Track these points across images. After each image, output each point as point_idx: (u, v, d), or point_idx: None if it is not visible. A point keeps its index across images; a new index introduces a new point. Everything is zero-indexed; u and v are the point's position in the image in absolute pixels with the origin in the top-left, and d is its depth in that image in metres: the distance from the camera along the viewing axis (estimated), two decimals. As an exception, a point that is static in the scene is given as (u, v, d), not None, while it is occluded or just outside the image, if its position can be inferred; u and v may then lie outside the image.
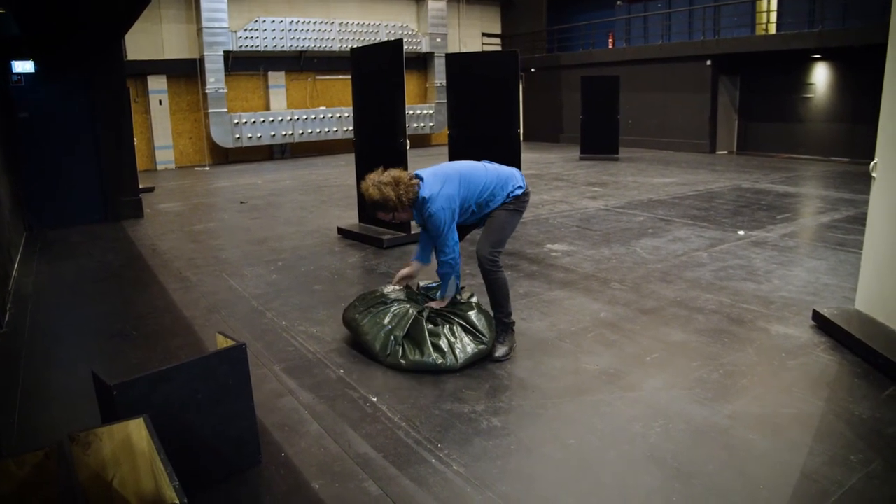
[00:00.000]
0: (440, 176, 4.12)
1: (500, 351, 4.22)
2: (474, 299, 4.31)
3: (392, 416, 3.49)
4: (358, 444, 3.23)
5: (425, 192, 4.03)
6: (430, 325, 4.16)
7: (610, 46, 21.33)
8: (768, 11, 17.12)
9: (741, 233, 7.64)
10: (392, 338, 4.16)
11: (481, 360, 4.14)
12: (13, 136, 9.04)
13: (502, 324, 4.29)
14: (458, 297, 4.35)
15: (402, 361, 4.07)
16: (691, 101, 18.17)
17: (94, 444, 2.35)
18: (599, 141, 16.38)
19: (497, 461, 3.06)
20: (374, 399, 3.71)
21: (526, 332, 4.65)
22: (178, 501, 1.92)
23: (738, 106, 18.17)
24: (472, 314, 4.18)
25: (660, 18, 19.64)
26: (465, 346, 4.06)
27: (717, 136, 18.03)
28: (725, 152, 18.01)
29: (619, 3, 21.28)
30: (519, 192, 4.25)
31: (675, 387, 3.77)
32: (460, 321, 4.17)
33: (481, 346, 4.10)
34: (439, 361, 3.99)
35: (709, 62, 17.48)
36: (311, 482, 2.94)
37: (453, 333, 4.10)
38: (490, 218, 4.23)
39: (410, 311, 4.27)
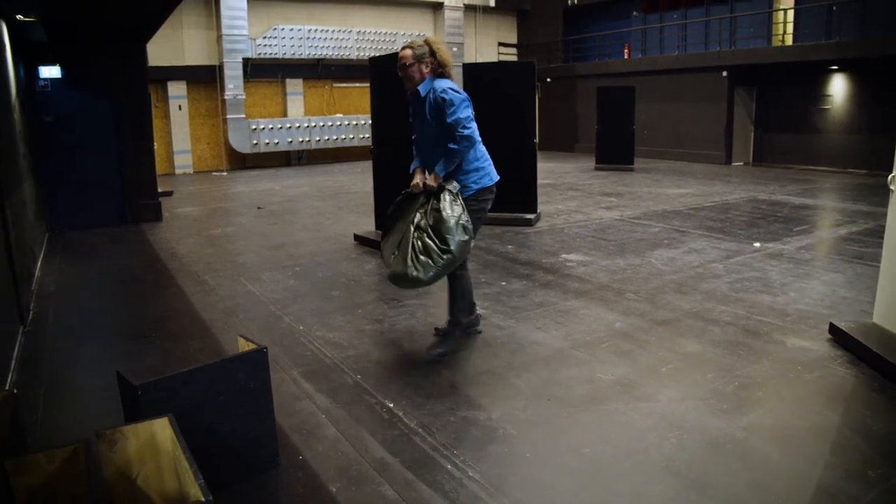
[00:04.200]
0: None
1: (437, 351, 4.41)
2: (447, 203, 4.14)
3: (408, 422, 3.53)
4: (375, 449, 3.27)
5: (444, 84, 4.28)
6: (415, 238, 4.11)
7: (626, 57, 21.35)
8: (785, 22, 17.06)
9: (757, 245, 7.63)
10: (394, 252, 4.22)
11: (496, 369, 4.19)
12: (38, 139, 9.19)
13: (451, 325, 4.43)
14: (449, 190, 4.21)
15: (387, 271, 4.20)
16: (707, 111, 18.15)
17: (119, 441, 2.40)
18: (615, 151, 16.37)
19: (512, 468, 3.08)
20: (391, 405, 3.74)
21: (541, 342, 4.68)
22: (203, 499, 1.96)
23: (755, 117, 18.14)
24: (443, 223, 4.09)
25: (676, 29, 19.64)
26: (432, 261, 4.03)
27: (733, 148, 17.98)
28: (741, 163, 17.97)
29: (635, 13, 21.32)
30: (487, 182, 4.37)
31: (690, 398, 3.77)
32: (430, 229, 4.10)
33: (447, 256, 4.02)
34: (413, 273, 4.02)
35: (725, 73, 17.46)
36: (329, 485, 2.98)
37: (425, 247, 4.06)
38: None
39: (409, 223, 4.22)
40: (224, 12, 17.92)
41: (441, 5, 22.03)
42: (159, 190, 10.93)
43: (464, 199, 4.23)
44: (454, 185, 4.22)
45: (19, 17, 7.01)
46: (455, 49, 22.18)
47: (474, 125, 4.24)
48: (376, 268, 7.02)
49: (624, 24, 21.57)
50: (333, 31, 19.87)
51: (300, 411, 3.70)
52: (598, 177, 15.11)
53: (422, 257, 4.04)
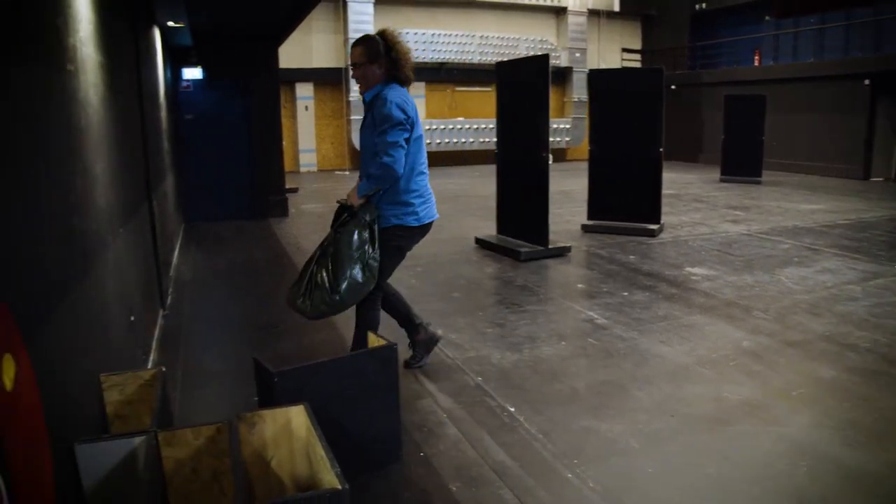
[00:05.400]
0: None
1: (417, 363, 4.32)
2: (353, 236, 3.75)
3: (529, 428, 3.53)
4: (495, 452, 3.29)
5: (392, 95, 3.81)
6: (317, 265, 3.78)
7: (756, 64, 20.43)
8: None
9: (900, 267, 7.12)
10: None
11: (618, 380, 4.14)
12: (178, 135, 9.81)
13: (414, 334, 4.34)
14: (365, 218, 3.80)
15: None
16: (844, 123, 17.04)
17: (258, 424, 2.53)
18: (741, 162, 15.66)
19: (634, 483, 3.02)
20: (512, 409, 3.75)
21: (665, 356, 4.56)
22: (339, 487, 2.04)
23: (900, 130, 16.85)
24: (341, 256, 3.71)
25: (811, 34, 18.59)
26: (321, 297, 3.71)
27: (872, 162, 16.81)
28: (881, 179, 16.76)
29: (767, 18, 20.35)
30: (412, 222, 3.95)
31: (823, 426, 3.57)
32: (331, 260, 3.74)
33: (335, 297, 3.69)
34: (300, 303, 3.76)
35: (867, 81, 16.34)
36: (449, 484, 3.03)
37: (321, 281, 3.73)
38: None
39: (322, 243, 3.90)
40: (351, 17, 18.54)
41: (564, 10, 21.87)
42: (286, 187, 11.42)
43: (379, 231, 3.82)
44: (368, 213, 3.76)
45: (170, 23, 7.51)
46: (578, 55, 21.95)
47: (400, 154, 3.70)
48: (497, 271, 7.05)
49: (754, 30, 20.66)
50: (456, 35, 20.11)
51: (422, 409, 3.77)
52: (724, 189, 14.55)
53: (315, 292, 3.68)
